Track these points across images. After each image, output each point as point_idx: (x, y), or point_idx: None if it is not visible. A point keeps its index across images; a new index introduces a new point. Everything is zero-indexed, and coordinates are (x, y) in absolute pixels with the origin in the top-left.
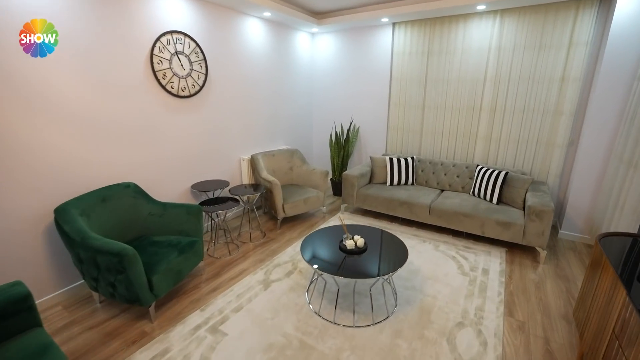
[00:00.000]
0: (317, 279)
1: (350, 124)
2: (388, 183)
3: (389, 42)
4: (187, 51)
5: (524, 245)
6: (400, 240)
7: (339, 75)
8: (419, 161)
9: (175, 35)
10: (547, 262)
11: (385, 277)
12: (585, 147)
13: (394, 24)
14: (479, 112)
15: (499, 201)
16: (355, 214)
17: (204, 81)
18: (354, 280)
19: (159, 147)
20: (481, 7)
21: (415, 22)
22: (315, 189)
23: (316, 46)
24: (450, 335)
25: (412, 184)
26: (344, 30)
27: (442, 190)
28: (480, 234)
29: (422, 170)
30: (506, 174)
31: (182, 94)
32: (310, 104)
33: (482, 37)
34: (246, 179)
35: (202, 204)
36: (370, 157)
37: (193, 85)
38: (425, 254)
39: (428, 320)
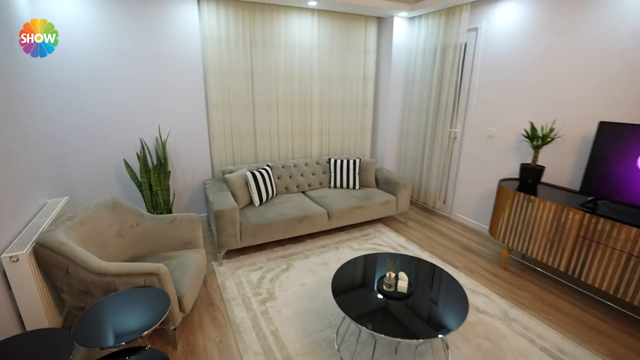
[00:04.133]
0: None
1: (167, 136)
2: (257, 203)
3: (194, 21)
4: None
5: (381, 218)
6: (454, 279)
7: (108, 65)
8: (272, 168)
9: None
10: (402, 217)
11: (443, 336)
12: (384, 129)
13: None
14: (310, 108)
15: (360, 186)
16: (231, 256)
17: None
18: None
19: None
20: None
21: (230, 1)
22: (187, 249)
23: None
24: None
25: (275, 196)
26: None
27: (304, 192)
28: (370, 219)
29: (278, 178)
30: (360, 161)
31: None
32: (59, 117)
33: (305, 33)
34: (38, 311)
35: None
36: (226, 178)
37: None
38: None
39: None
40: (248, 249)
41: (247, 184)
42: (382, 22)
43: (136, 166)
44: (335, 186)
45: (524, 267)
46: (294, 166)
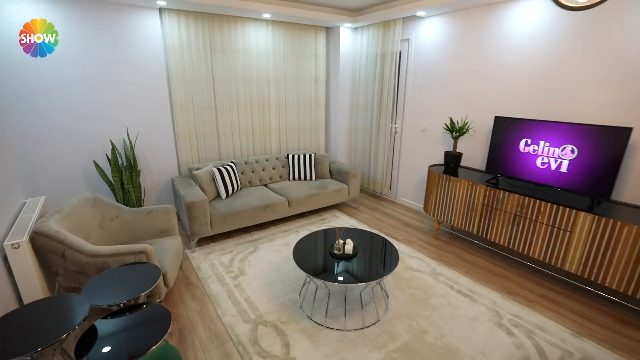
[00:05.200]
0: (309, 282)
1: (135, 137)
2: (224, 196)
3: (157, 31)
4: None
5: (336, 205)
6: (385, 239)
7: (76, 71)
8: (236, 164)
9: None
10: (355, 203)
11: (376, 282)
12: (336, 126)
13: (160, 9)
14: (268, 108)
15: (316, 177)
16: (203, 244)
17: None
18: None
19: None
20: (266, 15)
21: (190, 13)
22: (165, 236)
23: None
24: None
25: (240, 189)
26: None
27: (266, 185)
28: (326, 205)
29: (242, 173)
30: (315, 155)
31: None
32: (25, 121)
33: (261, 41)
34: (36, 291)
35: None
36: (194, 174)
37: None
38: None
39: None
40: (217, 237)
41: (213, 179)
42: (330, 31)
43: (105, 167)
44: (294, 178)
45: (452, 236)
46: (256, 162)
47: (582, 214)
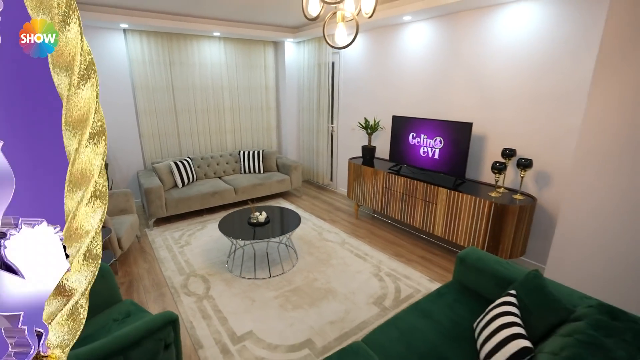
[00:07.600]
0: (235, 248)
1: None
2: (180, 185)
3: (122, 48)
4: None
5: (281, 194)
6: (295, 212)
7: None
8: (192, 160)
9: None
10: (298, 193)
11: (281, 238)
12: (286, 126)
13: (124, 30)
14: (223, 112)
15: (264, 170)
16: (160, 224)
17: None
18: (259, 244)
19: None
20: (216, 33)
21: (150, 32)
22: (124, 214)
23: None
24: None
25: (196, 180)
26: None
27: (220, 177)
28: (269, 194)
29: (198, 167)
30: (263, 151)
31: None
32: None
33: (214, 55)
34: None
35: None
36: (155, 167)
37: None
38: None
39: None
40: (173, 218)
41: (171, 171)
42: (277, 45)
43: None
44: (245, 172)
45: (372, 217)
46: (211, 157)
47: (441, 189)
